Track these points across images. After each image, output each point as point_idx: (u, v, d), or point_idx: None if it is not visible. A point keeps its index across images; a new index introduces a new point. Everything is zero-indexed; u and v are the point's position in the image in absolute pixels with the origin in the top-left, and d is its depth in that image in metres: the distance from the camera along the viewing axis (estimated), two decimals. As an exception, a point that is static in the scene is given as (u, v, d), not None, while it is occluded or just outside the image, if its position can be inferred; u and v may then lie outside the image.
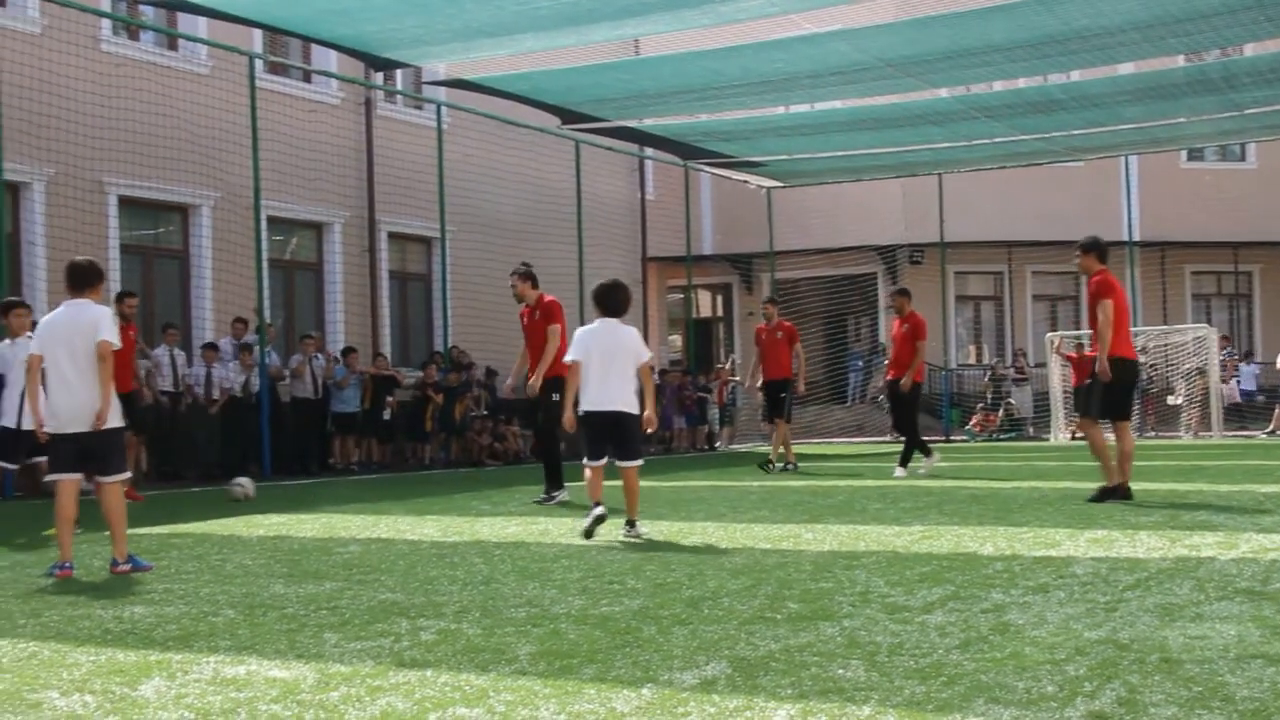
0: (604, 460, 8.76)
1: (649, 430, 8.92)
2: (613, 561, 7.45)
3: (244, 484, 13.28)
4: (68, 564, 7.38)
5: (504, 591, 6.38)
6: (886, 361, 27.71)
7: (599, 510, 8.53)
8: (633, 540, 8.46)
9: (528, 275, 12.42)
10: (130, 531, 9.42)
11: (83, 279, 7.70)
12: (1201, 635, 4.75)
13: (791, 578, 6.59)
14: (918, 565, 6.94)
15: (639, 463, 8.80)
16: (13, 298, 14.09)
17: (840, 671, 4.35)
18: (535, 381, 11.98)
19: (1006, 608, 5.50)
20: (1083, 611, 5.34)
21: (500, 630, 5.28)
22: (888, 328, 30.97)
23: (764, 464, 16.90)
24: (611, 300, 8.92)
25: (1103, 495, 10.59)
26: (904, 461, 15.15)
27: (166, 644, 5.16)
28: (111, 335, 7.49)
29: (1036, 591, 5.92)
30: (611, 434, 8.72)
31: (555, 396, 11.50)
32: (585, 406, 8.74)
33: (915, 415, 15.42)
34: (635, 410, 8.77)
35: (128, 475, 8.04)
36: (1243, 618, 5.09)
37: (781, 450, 16.94)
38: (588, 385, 8.72)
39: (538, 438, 13.18)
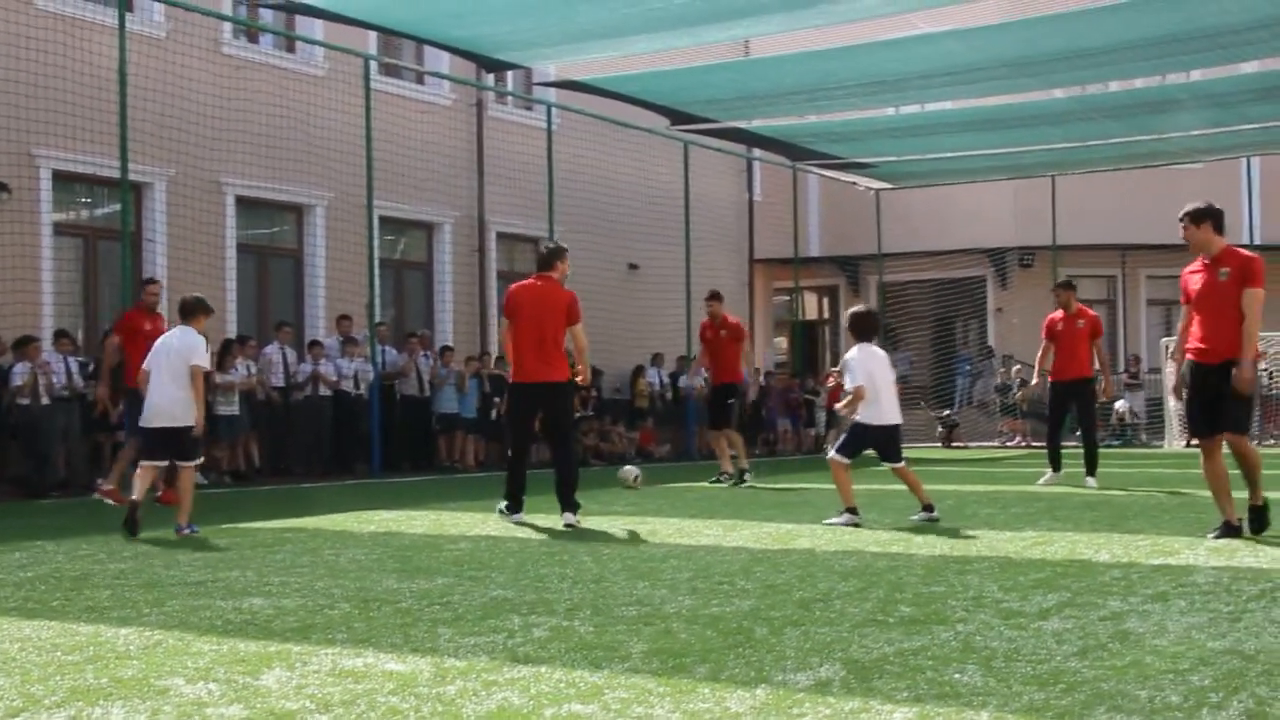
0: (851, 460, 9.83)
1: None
2: (721, 562, 7.44)
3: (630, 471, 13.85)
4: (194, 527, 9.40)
5: (614, 590, 6.40)
6: (1027, 368, 27.07)
7: (857, 518, 9.65)
8: (932, 520, 9.67)
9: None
10: (246, 525, 9.69)
11: (187, 311, 9.81)
12: (1331, 648, 4.63)
13: (903, 581, 6.53)
14: (1031, 571, 6.85)
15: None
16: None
17: (956, 676, 4.30)
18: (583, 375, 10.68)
19: (1125, 615, 5.40)
20: (1205, 621, 5.23)
21: (612, 628, 5.30)
22: (997, 330, 30.71)
23: (716, 478, 15.23)
24: (871, 326, 10.05)
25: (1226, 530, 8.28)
26: (1091, 469, 13.81)
27: (285, 635, 5.25)
28: (203, 360, 9.73)
29: (1156, 600, 5.81)
30: (884, 442, 9.92)
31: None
32: (872, 421, 9.78)
33: (1094, 420, 14.60)
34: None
35: (199, 461, 10.01)
36: (1374, 631, 4.95)
37: (733, 455, 15.23)
38: (876, 402, 9.73)
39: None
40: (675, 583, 6.61)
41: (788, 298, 31.72)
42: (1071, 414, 14.69)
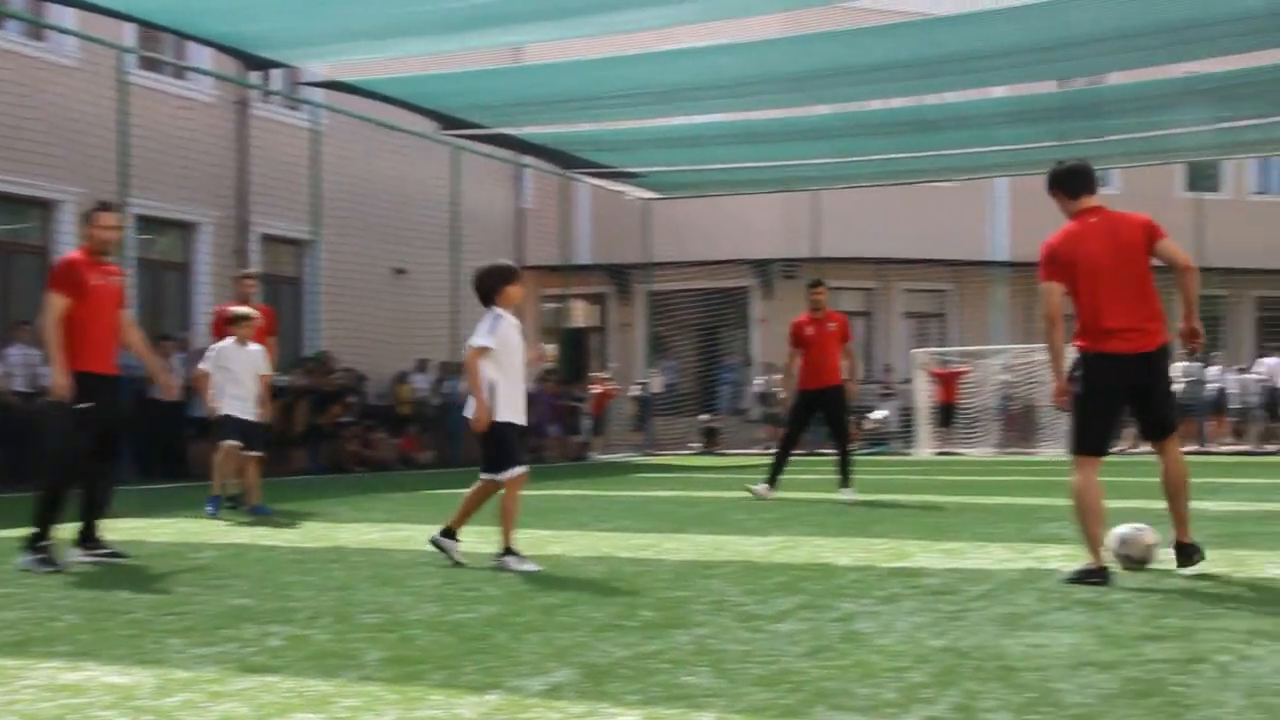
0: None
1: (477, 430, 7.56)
2: (471, 569, 7.41)
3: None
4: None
5: (359, 598, 6.31)
6: (767, 375, 27.53)
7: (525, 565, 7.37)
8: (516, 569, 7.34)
9: None
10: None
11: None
12: (1040, 644, 4.87)
13: (648, 586, 6.62)
14: (774, 575, 7.01)
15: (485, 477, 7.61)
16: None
17: (687, 678, 4.38)
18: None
19: (856, 617, 5.58)
20: (929, 621, 5.44)
21: (351, 636, 5.23)
22: (761, 340, 31.37)
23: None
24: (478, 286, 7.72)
25: (1083, 576, 6.53)
26: (846, 481, 12.87)
27: (1, 649, 5.01)
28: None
29: (887, 601, 6.02)
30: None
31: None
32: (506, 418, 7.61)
33: (848, 428, 13.57)
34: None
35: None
36: (1080, 627, 5.23)
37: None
38: (509, 398, 7.60)
39: None
40: (422, 590, 6.56)
41: (557, 305, 31.83)
42: (819, 422, 13.89)
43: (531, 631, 5.29)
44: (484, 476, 7.59)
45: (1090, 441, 6.74)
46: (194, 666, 4.65)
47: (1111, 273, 6.61)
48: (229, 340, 11.38)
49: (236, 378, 11.30)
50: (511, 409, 7.57)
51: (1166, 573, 6.77)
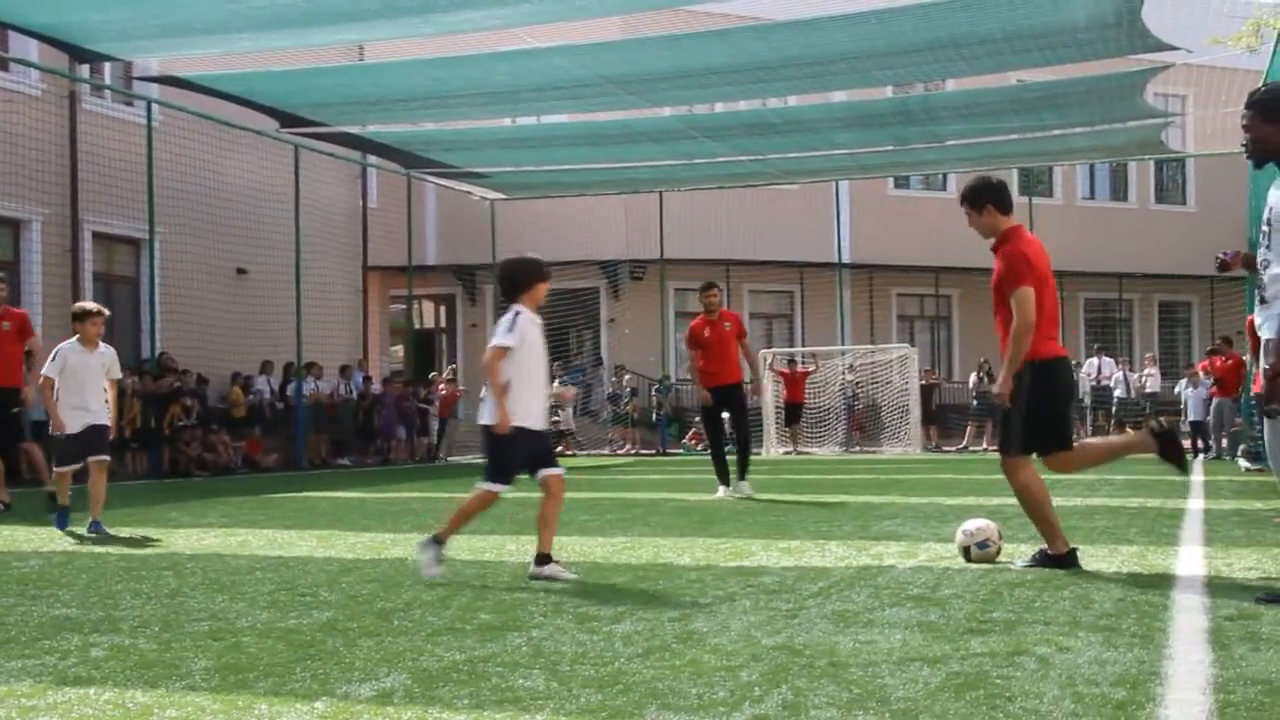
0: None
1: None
2: (308, 574, 7.29)
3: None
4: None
5: (190, 605, 6.16)
6: (639, 378, 27.69)
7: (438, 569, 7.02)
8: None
9: None
10: None
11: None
12: (871, 640, 4.96)
13: (488, 589, 6.58)
14: (615, 575, 7.03)
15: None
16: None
17: (521, 681, 4.35)
18: None
19: (694, 616, 5.61)
20: (765, 619, 5.50)
21: (178, 645, 5.09)
22: (610, 340, 31.48)
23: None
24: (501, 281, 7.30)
25: (1045, 560, 6.97)
26: (745, 473, 13.43)
27: None
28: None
29: (724, 600, 6.06)
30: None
31: None
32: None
33: (749, 424, 14.21)
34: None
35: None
36: (910, 623, 5.33)
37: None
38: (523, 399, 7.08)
39: None
40: (256, 596, 6.43)
41: (403, 306, 31.50)
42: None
43: (366, 637, 5.22)
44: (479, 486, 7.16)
45: (1046, 439, 7.07)
46: (7, 680, 4.48)
47: (1050, 287, 7.14)
48: (73, 341, 10.24)
49: (77, 385, 10.14)
50: (524, 413, 7.03)
51: (1000, 567, 6.96)
